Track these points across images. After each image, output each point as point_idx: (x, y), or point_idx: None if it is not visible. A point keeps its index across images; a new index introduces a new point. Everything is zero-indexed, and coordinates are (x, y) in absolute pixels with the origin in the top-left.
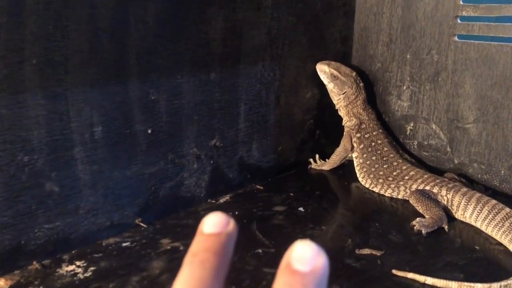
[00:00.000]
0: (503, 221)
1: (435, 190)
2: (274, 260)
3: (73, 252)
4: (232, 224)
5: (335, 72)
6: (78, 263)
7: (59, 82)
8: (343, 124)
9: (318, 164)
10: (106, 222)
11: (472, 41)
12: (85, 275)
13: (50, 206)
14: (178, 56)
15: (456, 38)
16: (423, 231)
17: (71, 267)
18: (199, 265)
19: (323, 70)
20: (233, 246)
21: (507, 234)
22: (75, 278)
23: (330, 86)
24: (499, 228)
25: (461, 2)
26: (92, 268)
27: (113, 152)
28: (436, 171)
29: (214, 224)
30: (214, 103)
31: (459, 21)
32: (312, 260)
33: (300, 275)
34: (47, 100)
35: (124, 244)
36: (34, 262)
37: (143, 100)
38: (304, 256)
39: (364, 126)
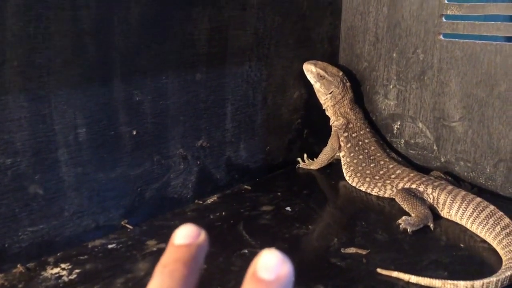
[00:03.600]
0: (487, 219)
1: (421, 188)
2: None
3: (58, 254)
4: (202, 236)
5: (322, 72)
6: (63, 265)
7: (42, 84)
8: (330, 123)
9: (306, 164)
10: (91, 224)
11: (457, 39)
12: (70, 277)
13: (34, 208)
14: (163, 56)
15: (441, 37)
16: (408, 230)
17: (56, 270)
18: (168, 275)
19: (310, 70)
20: (203, 256)
21: (491, 231)
22: (59, 281)
23: (317, 85)
24: (483, 226)
25: (446, 1)
26: (77, 271)
27: (98, 153)
28: (423, 170)
29: (184, 236)
30: (200, 104)
31: (444, 19)
32: (277, 268)
33: (265, 283)
34: (29, 102)
35: (109, 246)
36: (19, 265)
37: (128, 101)
38: (269, 265)
39: (352, 125)
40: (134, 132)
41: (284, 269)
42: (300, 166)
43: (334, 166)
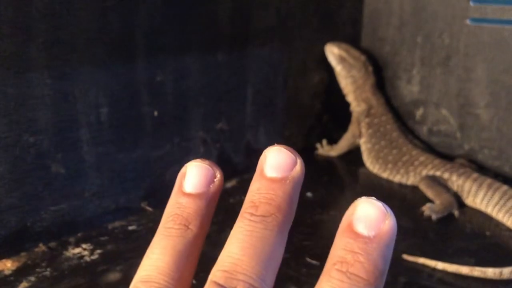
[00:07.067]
0: None
1: (445, 175)
2: None
3: (79, 235)
4: (299, 166)
5: (344, 54)
6: (84, 245)
7: (66, 61)
8: (351, 109)
9: (326, 150)
10: (111, 205)
11: (484, 24)
12: (92, 257)
13: (56, 188)
14: (186, 36)
15: (468, 21)
16: (433, 217)
17: (77, 250)
18: (261, 222)
19: (332, 51)
20: (298, 196)
21: None
22: (81, 260)
23: (338, 68)
24: (510, 214)
25: None
26: (98, 251)
27: (119, 134)
28: (446, 157)
29: (278, 166)
30: (221, 86)
31: (471, 3)
32: (378, 222)
33: (363, 239)
34: (53, 79)
35: (130, 228)
36: (41, 244)
37: (150, 81)
38: (369, 217)
39: (373, 111)
40: (156, 113)
41: (387, 224)
42: (319, 152)
43: (353, 153)
